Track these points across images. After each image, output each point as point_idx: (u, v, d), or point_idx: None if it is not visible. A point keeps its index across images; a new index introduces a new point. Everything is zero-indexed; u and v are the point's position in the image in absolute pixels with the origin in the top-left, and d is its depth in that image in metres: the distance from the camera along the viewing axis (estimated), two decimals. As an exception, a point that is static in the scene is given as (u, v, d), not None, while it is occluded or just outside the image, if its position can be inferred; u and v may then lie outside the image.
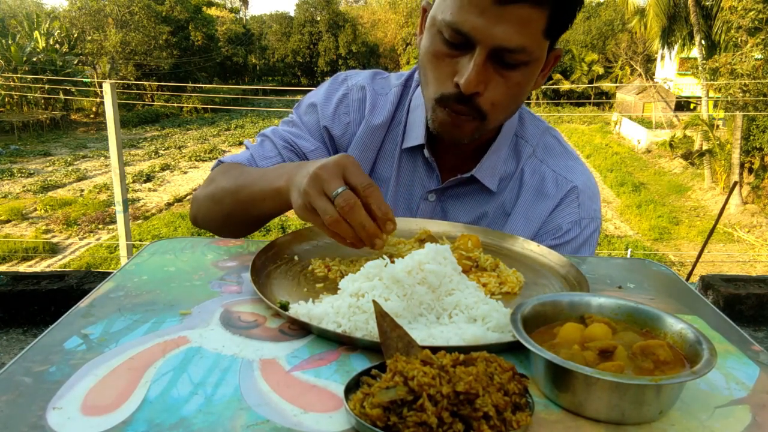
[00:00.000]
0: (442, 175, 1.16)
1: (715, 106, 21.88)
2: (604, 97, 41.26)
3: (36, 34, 31.39)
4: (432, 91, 1.00)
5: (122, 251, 8.02)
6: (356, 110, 1.20)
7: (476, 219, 1.16)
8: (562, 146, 1.21)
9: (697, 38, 21.13)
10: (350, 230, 0.80)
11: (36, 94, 29.67)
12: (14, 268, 13.50)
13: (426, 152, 1.14)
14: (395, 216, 0.83)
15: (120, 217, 7.65)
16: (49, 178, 20.56)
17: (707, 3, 21.33)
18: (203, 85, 37.86)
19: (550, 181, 1.15)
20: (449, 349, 0.55)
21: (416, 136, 1.15)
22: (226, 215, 1.09)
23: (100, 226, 16.21)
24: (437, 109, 1.01)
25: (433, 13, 0.97)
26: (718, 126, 21.81)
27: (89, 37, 35.23)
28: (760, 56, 17.07)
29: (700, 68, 20.93)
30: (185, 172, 22.46)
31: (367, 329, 0.65)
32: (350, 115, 1.20)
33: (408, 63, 46.60)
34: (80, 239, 15.40)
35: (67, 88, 30.92)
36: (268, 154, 1.18)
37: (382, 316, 0.61)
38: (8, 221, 16.30)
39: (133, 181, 20.24)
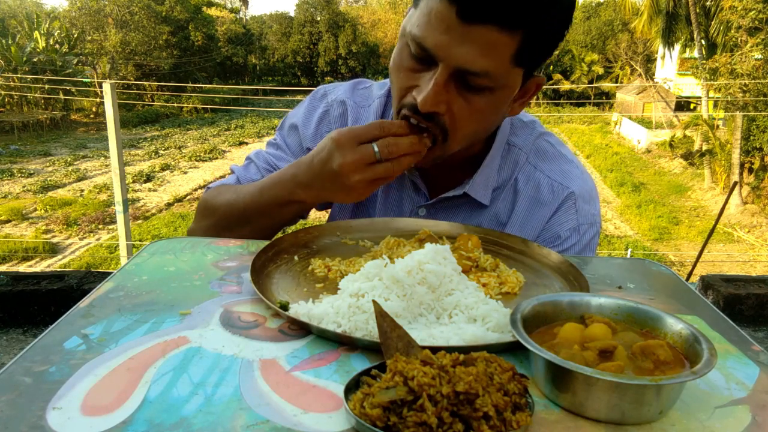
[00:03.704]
0: (429, 191, 1.13)
1: (715, 106, 21.88)
2: (604, 97, 41.25)
3: (36, 34, 31.38)
4: (394, 102, 0.98)
5: (122, 251, 8.02)
6: (338, 126, 1.17)
7: None
8: (556, 150, 1.16)
9: (696, 38, 21.13)
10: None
11: (36, 94, 29.67)
12: (14, 268, 13.50)
13: (406, 171, 1.08)
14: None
15: (120, 217, 7.65)
16: (49, 178, 20.57)
17: (707, 3, 21.33)
18: (203, 85, 37.84)
19: (545, 188, 1.11)
20: (449, 349, 0.55)
21: None
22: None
23: (100, 226, 16.21)
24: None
25: (404, 23, 0.94)
26: (718, 126, 21.80)
27: (89, 37, 35.21)
28: (759, 56, 17.07)
29: (699, 68, 20.93)
30: (185, 172, 22.45)
31: (367, 329, 0.65)
32: None
33: (408, 63, 46.50)
34: (80, 239, 15.40)
35: (67, 88, 30.93)
36: (252, 177, 1.17)
37: (382, 316, 0.61)
38: (8, 221, 16.31)
39: (133, 181, 20.24)
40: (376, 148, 0.88)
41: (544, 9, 0.84)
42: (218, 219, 1.10)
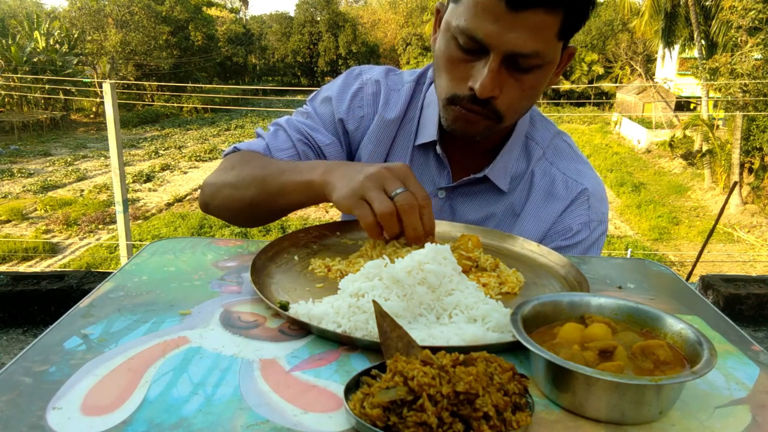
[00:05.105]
0: (453, 173, 1.18)
1: (715, 106, 21.88)
2: (604, 97, 41.22)
3: (36, 34, 31.39)
4: (444, 91, 1.02)
5: (122, 251, 8.03)
6: (370, 104, 1.21)
7: (484, 218, 1.17)
8: (573, 150, 1.23)
9: (696, 38, 21.13)
10: (397, 227, 0.84)
11: (36, 94, 29.66)
12: (14, 268, 13.50)
13: (438, 149, 1.15)
14: None
15: (120, 217, 7.66)
16: (49, 178, 20.57)
17: (707, 3, 21.33)
18: (203, 85, 37.80)
19: (560, 183, 1.17)
20: (449, 349, 0.55)
21: (429, 133, 1.16)
22: (249, 202, 1.07)
23: (100, 226, 16.22)
24: (448, 107, 1.03)
25: (446, 18, 0.98)
26: (718, 126, 21.80)
27: (89, 37, 35.20)
28: (759, 56, 17.07)
29: (699, 68, 20.93)
30: (185, 172, 22.45)
31: (367, 329, 0.65)
32: (364, 109, 1.21)
33: (408, 63, 46.54)
34: (80, 239, 15.40)
35: (67, 88, 30.94)
36: (282, 145, 1.17)
37: (382, 316, 0.61)
38: (8, 221, 16.31)
39: (133, 181, 20.24)
40: (399, 191, 0.84)
41: None
42: (237, 180, 1.09)
